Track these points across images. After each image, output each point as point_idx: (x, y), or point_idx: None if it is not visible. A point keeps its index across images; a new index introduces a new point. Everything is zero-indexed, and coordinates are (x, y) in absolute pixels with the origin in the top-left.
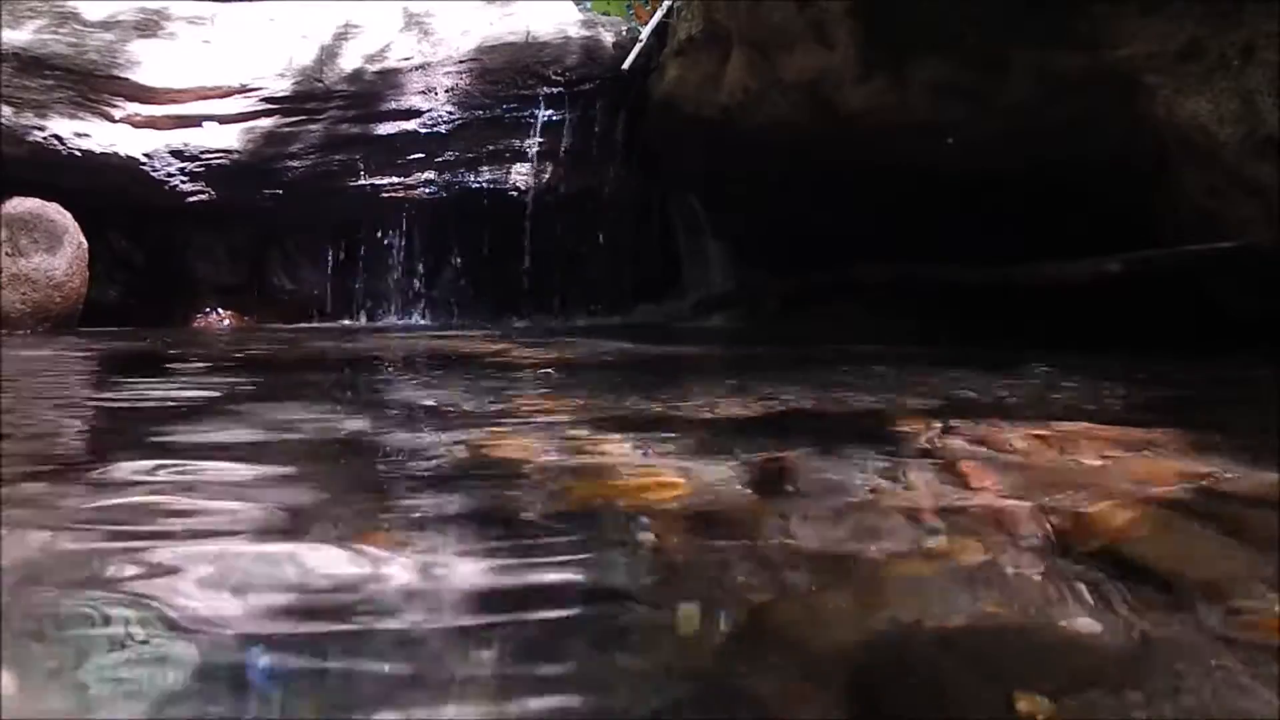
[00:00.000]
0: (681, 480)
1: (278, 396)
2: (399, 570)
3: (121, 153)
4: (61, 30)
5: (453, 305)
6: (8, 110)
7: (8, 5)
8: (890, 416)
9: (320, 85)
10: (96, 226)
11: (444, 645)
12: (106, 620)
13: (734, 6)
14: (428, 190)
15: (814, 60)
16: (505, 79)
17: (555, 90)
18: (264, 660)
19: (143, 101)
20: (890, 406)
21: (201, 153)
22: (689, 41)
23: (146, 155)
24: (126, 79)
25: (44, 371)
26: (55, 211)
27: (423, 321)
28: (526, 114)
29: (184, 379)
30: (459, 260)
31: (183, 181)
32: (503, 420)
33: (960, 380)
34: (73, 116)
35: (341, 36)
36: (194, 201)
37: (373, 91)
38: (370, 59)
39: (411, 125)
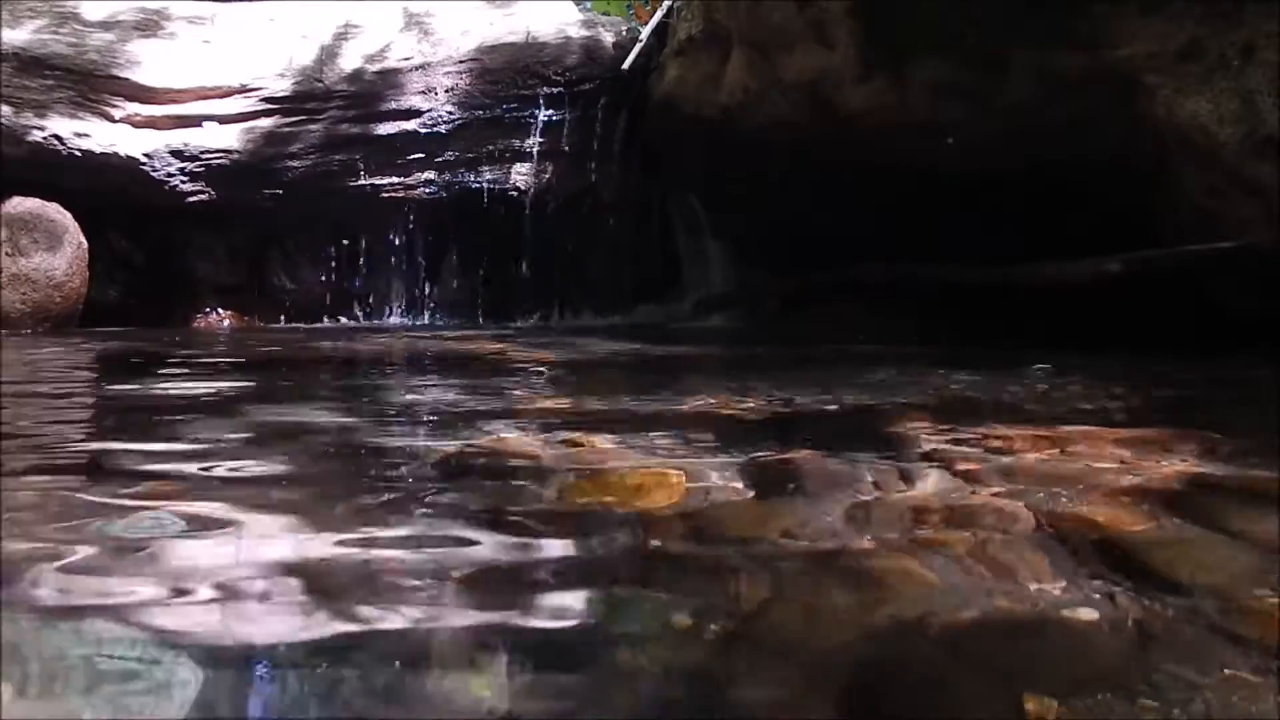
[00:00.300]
0: (682, 480)
1: (277, 397)
2: (392, 574)
3: (121, 153)
4: (61, 30)
5: (452, 305)
6: (8, 110)
7: (8, 5)
8: (891, 416)
9: (320, 85)
10: (96, 226)
11: (442, 646)
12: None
13: (734, 6)
14: (428, 190)
15: (814, 60)
16: (505, 79)
17: (555, 90)
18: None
19: (143, 101)
20: (891, 406)
21: (201, 153)
22: (689, 41)
23: (146, 155)
24: (126, 79)
25: (44, 371)
26: (55, 211)
27: (422, 321)
28: (526, 114)
29: (183, 379)
30: (459, 260)
31: (183, 181)
32: (502, 420)
33: (960, 380)
34: (73, 116)
35: (341, 36)
36: (194, 201)
37: (373, 91)
38: (370, 59)
39: (411, 125)
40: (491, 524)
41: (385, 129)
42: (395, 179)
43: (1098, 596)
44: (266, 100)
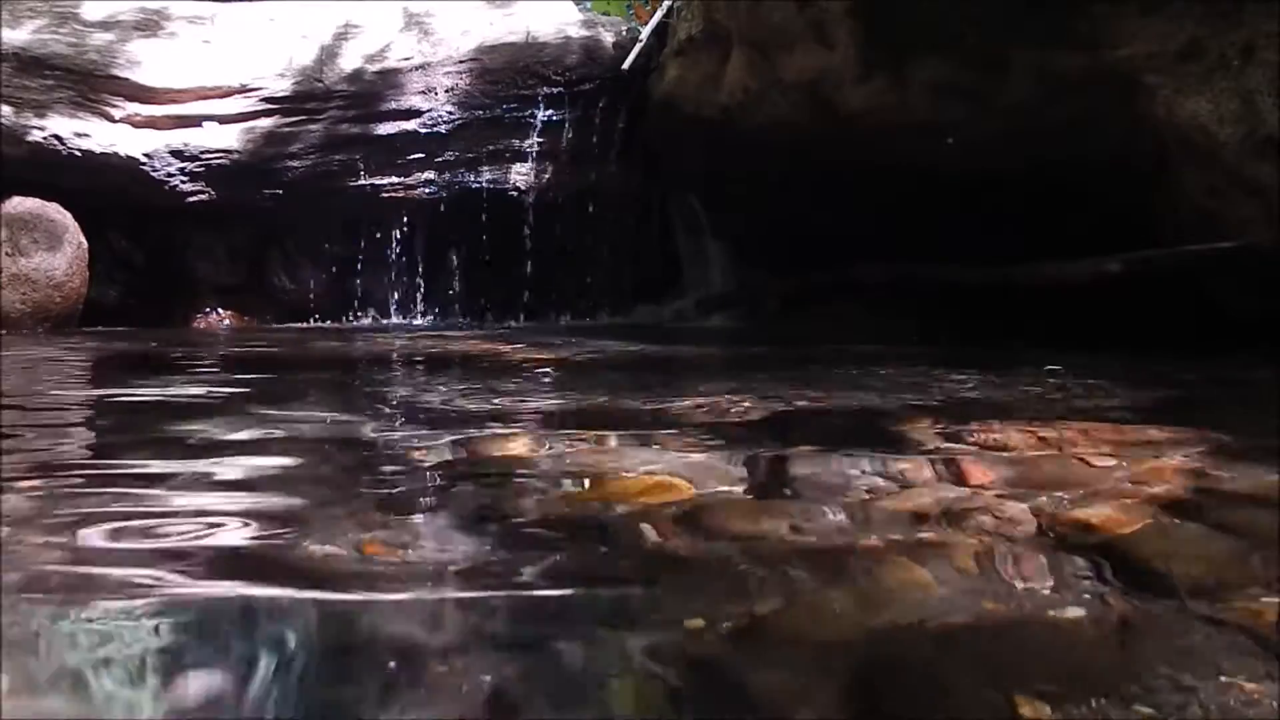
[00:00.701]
0: (682, 480)
1: (277, 397)
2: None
3: (121, 153)
4: (61, 30)
5: (453, 305)
6: (8, 110)
7: (8, 5)
8: (891, 416)
9: (320, 85)
10: (96, 226)
11: (441, 650)
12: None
13: (734, 6)
14: (428, 190)
15: (814, 60)
16: (505, 79)
17: (555, 90)
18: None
19: (143, 101)
20: (891, 406)
21: (201, 153)
22: (689, 41)
23: (146, 155)
24: (126, 79)
25: (45, 371)
26: (55, 211)
27: (422, 322)
28: (526, 114)
29: (184, 379)
30: (459, 260)
31: (183, 181)
32: (503, 420)
33: (960, 380)
34: (73, 116)
35: (341, 36)
36: (194, 201)
37: (373, 91)
38: (370, 59)
39: (411, 125)
40: (491, 525)
41: (385, 129)
42: (395, 179)
43: (1094, 596)
44: (266, 100)
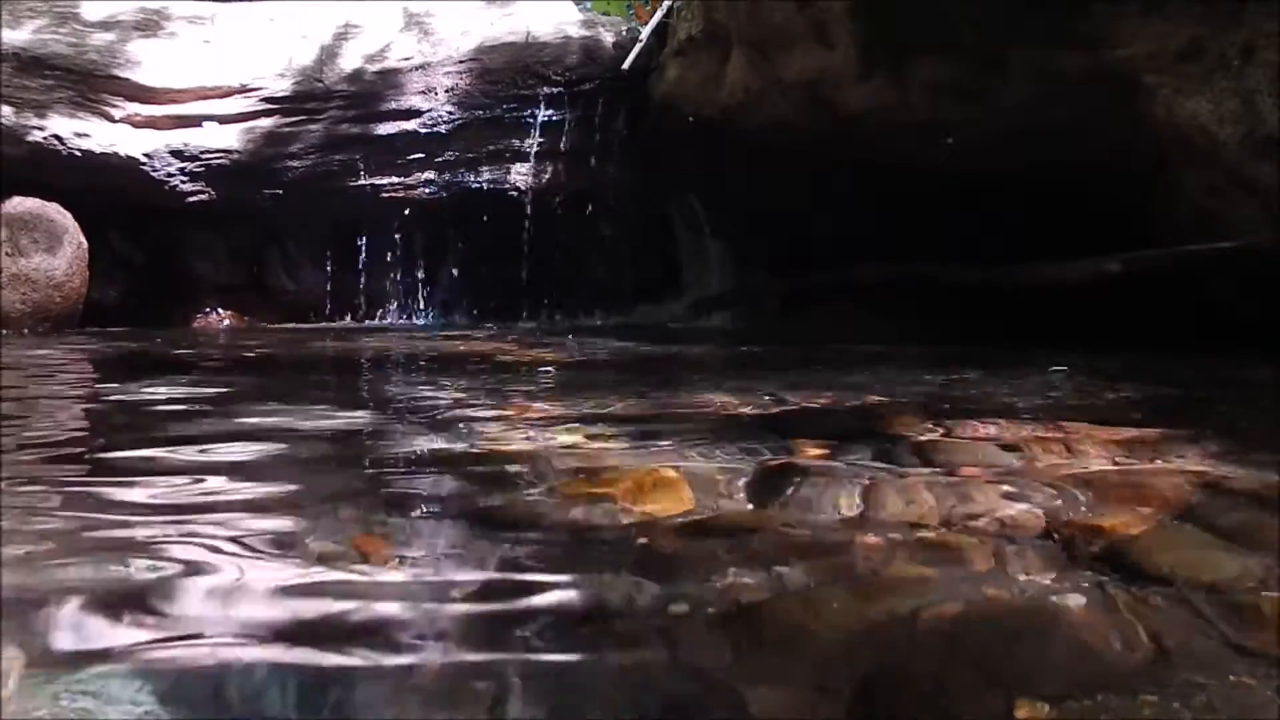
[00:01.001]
0: (681, 480)
1: (276, 396)
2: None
3: (121, 153)
4: (61, 30)
5: (452, 305)
6: (8, 110)
7: (8, 5)
8: (891, 417)
9: (320, 85)
10: (96, 226)
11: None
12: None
13: (734, 6)
14: (428, 190)
15: (814, 60)
16: (505, 79)
17: (555, 90)
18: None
19: (143, 101)
20: (891, 406)
21: (201, 153)
22: (689, 41)
23: (146, 155)
24: (126, 79)
25: (45, 371)
26: (55, 211)
27: (422, 321)
28: (526, 114)
29: (186, 379)
30: (459, 261)
31: (183, 181)
32: (502, 420)
33: (961, 380)
34: (73, 116)
35: (341, 36)
36: (194, 201)
37: (373, 91)
38: (370, 59)
39: (411, 125)
40: (492, 525)
41: (385, 129)
42: (395, 179)
43: (1095, 597)
44: (266, 100)
